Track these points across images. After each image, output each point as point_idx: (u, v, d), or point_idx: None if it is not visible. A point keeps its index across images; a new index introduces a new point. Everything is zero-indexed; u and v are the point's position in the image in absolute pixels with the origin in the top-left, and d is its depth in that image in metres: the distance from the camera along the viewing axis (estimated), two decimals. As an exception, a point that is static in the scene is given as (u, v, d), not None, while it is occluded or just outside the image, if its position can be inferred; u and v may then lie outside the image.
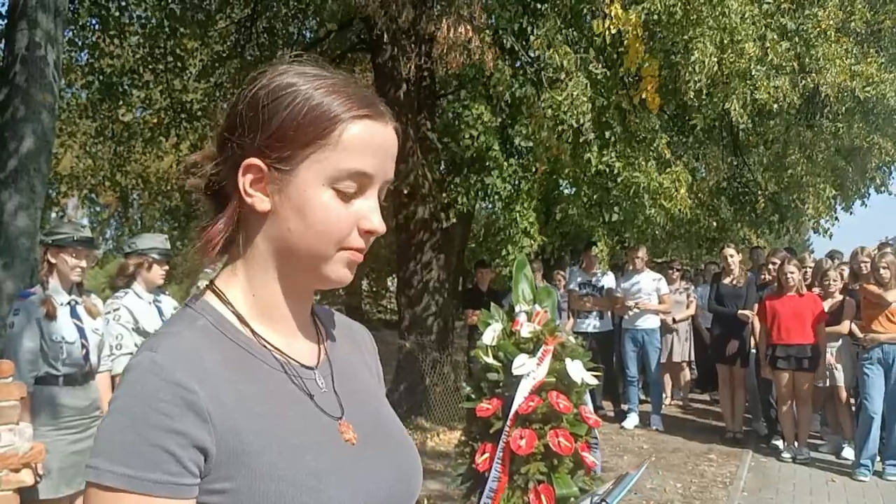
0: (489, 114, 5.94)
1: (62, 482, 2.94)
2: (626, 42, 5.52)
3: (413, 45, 6.19)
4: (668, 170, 6.05)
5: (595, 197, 6.74)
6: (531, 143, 6.18)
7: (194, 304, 0.79)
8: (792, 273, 5.74)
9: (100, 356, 3.19)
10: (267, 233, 0.77)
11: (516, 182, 6.08)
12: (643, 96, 5.73)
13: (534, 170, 6.37)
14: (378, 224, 0.78)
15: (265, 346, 0.78)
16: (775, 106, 6.07)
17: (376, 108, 0.77)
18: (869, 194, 12.29)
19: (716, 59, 5.29)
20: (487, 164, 6.05)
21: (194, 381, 0.69)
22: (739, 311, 6.30)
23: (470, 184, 6.20)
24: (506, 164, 6.05)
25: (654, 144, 6.19)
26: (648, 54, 5.65)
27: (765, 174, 10.79)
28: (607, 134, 6.04)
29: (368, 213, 0.77)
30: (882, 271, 5.19)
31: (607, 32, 5.45)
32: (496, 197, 6.11)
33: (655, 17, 5.41)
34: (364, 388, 0.88)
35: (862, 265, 5.72)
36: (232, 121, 0.77)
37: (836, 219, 10.73)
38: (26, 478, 2.68)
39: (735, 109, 5.66)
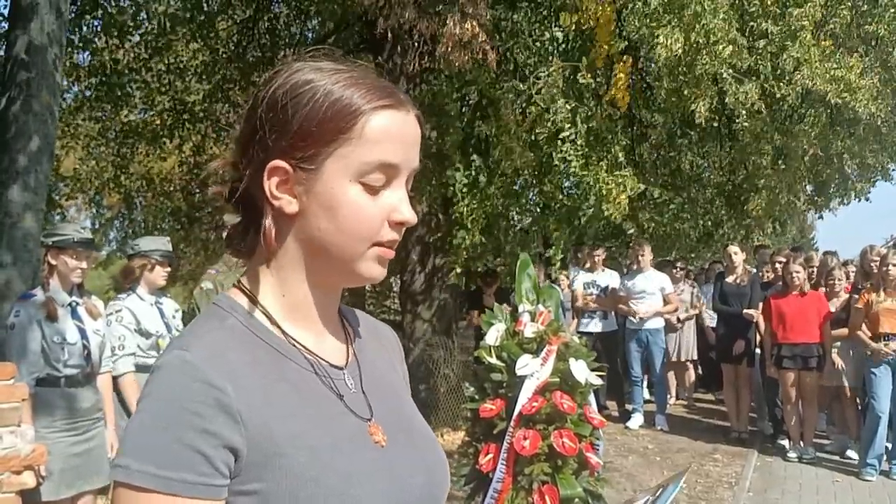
0: (454, 104, 5.91)
1: (63, 484, 2.94)
2: (596, 35, 5.47)
3: (415, 45, 6.18)
4: (616, 173, 6.03)
5: (547, 195, 6.72)
6: (497, 139, 6.14)
7: (223, 303, 0.77)
8: (797, 272, 5.71)
9: (101, 357, 3.19)
10: (296, 234, 0.76)
11: (475, 177, 6.06)
12: (612, 93, 5.70)
13: (495, 167, 6.32)
14: (409, 215, 0.77)
15: (295, 346, 0.77)
16: (743, 112, 6.03)
17: (396, 97, 0.76)
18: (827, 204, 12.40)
19: (681, 50, 5.22)
20: (451, 157, 6.05)
21: (226, 380, 0.68)
22: (745, 311, 6.27)
23: (434, 176, 6.20)
24: (468, 159, 6.04)
25: (612, 147, 6.15)
26: (618, 40, 5.58)
27: (744, 171, 10.74)
28: (572, 130, 6.00)
29: (398, 204, 0.76)
30: (892, 269, 5.17)
31: (572, 27, 5.41)
32: (451, 190, 6.10)
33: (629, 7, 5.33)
34: (391, 389, 0.87)
35: (872, 264, 5.68)
36: (251, 124, 0.76)
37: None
38: (28, 480, 2.68)
39: (700, 112, 5.64)
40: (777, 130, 7.86)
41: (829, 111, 6.75)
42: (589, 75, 5.77)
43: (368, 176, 0.74)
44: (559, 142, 5.69)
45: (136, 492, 0.65)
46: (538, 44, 5.79)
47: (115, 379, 3.34)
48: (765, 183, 8.19)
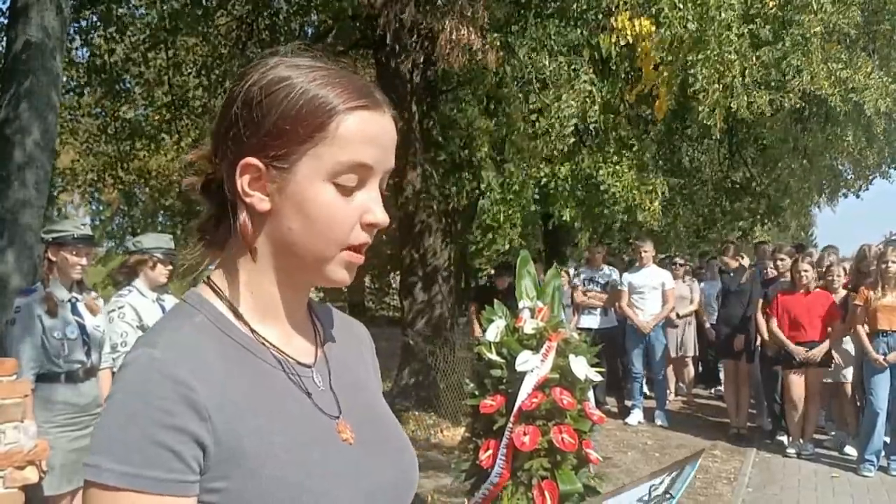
0: (483, 117, 5.93)
1: (64, 479, 2.96)
2: (638, 56, 5.48)
3: (415, 44, 6.17)
4: (647, 181, 6.06)
5: (584, 198, 6.75)
6: (523, 147, 6.15)
7: (192, 300, 0.77)
8: (806, 271, 5.71)
9: (101, 353, 3.19)
10: (267, 232, 0.75)
11: (510, 184, 6.09)
12: (653, 105, 5.74)
13: (524, 174, 6.33)
14: (381, 216, 0.76)
15: (263, 344, 0.76)
16: (750, 118, 6.09)
17: (372, 97, 0.75)
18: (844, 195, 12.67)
19: (715, 84, 5.27)
20: (481, 164, 6.07)
21: (193, 378, 0.67)
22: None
23: (465, 182, 6.22)
24: (496, 166, 6.07)
25: (638, 154, 6.19)
26: (661, 67, 5.59)
27: (754, 169, 10.86)
28: (599, 140, 6.05)
29: (371, 205, 0.75)
30: (891, 266, 5.17)
31: (614, 47, 5.42)
32: (487, 196, 6.14)
33: (671, 33, 5.33)
34: (360, 386, 0.87)
35: (871, 269, 5.67)
36: (226, 119, 0.75)
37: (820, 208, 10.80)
38: (31, 475, 2.69)
39: (716, 123, 5.66)
40: (803, 131, 7.90)
41: (837, 110, 6.79)
42: (596, 70, 5.78)
43: (342, 176, 0.73)
44: (582, 149, 5.76)
45: (108, 491, 0.64)
46: (563, 52, 5.81)
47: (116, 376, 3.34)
48: (793, 184, 8.27)
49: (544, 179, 6.52)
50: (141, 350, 0.69)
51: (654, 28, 5.23)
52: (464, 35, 5.15)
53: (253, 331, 0.77)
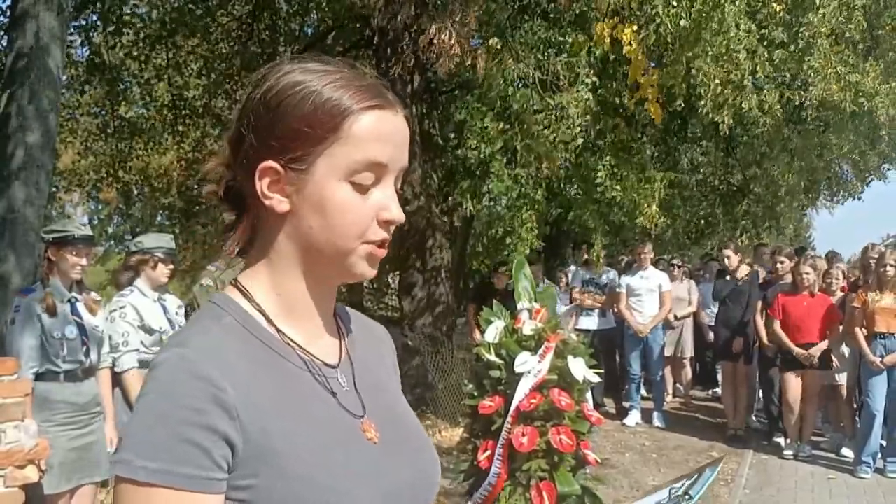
0: (493, 122, 5.93)
1: (63, 477, 2.97)
2: (626, 55, 5.49)
3: (408, 46, 6.19)
4: (647, 185, 6.06)
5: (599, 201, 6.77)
6: (535, 152, 6.15)
7: (219, 302, 0.79)
8: (807, 273, 5.72)
9: (100, 353, 3.21)
10: (288, 233, 0.77)
11: (519, 189, 6.09)
12: (646, 109, 5.73)
13: (534, 178, 6.33)
14: (397, 213, 0.78)
15: (289, 345, 0.78)
16: (760, 119, 6.07)
17: (385, 97, 0.78)
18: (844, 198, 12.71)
19: (718, 81, 5.26)
20: (491, 171, 6.06)
21: (223, 377, 0.69)
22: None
23: (476, 187, 6.22)
24: (507, 172, 6.06)
25: (638, 157, 6.20)
26: (652, 71, 5.59)
27: (749, 171, 10.90)
28: (600, 143, 6.04)
29: (386, 202, 0.78)
30: (889, 269, 5.19)
31: (589, 55, 5.46)
32: (499, 202, 6.14)
33: (662, 33, 5.31)
34: (383, 386, 0.89)
35: (871, 262, 5.69)
36: (242, 125, 0.78)
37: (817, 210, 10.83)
38: (31, 474, 2.70)
39: (724, 121, 5.66)
40: (795, 133, 7.89)
41: (850, 116, 6.79)
42: (595, 71, 5.79)
43: (357, 175, 0.75)
44: (585, 151, 5.75)
45: (139, 486, 0.66)
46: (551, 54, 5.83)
47: (119, 375, 3.35)
48: (789, 186, 8.26)
49: (556, 183, 6.53)
50: (172, 350, 0.71)
51: (635, 36, 5.22)
52: (444, 41, 5.17)
53: (279, 332, 0.78)
